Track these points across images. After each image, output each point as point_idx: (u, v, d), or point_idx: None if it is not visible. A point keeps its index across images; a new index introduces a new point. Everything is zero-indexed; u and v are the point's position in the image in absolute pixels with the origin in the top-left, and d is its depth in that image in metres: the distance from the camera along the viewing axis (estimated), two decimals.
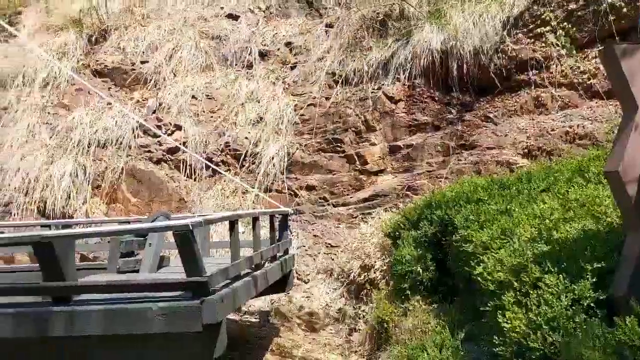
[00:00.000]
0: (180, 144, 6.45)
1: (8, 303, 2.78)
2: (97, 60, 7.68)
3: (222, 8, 8.23)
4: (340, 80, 6.65)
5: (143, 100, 7.26)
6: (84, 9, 8.18)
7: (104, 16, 8.11)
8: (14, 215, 6.27)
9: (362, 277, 5.04)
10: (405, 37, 6.47)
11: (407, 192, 5.90)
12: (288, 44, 7.42)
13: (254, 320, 5.32)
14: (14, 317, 2.69)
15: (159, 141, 6.81)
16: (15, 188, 6.37)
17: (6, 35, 8.20)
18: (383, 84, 6.41)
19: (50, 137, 6.85)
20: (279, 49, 7.50)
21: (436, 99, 6.20)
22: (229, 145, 6.71)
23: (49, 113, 7.18)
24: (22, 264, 5.20)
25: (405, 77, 6.32)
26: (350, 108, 6.50)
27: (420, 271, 4.10)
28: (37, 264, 2.83)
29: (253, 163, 6.57)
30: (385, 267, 4.90)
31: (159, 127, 6.78)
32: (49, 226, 5.16)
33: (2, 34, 8.19)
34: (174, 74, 7.42)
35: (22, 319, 2.69)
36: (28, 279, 3.96)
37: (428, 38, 6.20)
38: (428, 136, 6.09)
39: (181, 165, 6.63)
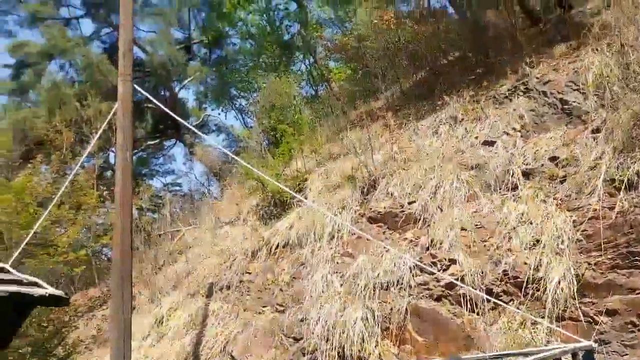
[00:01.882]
0: (457, 278, 6.47)
1: None
2: (370, 208, 8.49)
3: (476, 137, 8.46)
4: (622, 187, 5.97)
5: (415, 239, 7.62)
6: (355, 166, 9.32)
7: (372, 168, 9.07)
8: None
9: None
10: None
11: None
12: (552, 159, 7.09)
13: None
14: None
15: (436, 277, 6.93)
16: (317, 336, 7.15)
17: (298, 200, 9.80)
18: None
19: (341, 285, 7.62)
20: (542, 165, 7.21)
21: None
22: (507, 274, 6.43)
23: (337, 262, 8.07)
24: None
25: None
26: None
27: None
28: None
29: (537, 290, 6.11)
30: None
31: (433, 263, 6.97)
32: None
33: (295, 200, 9.81)
34: (440, 209, 7.68)
35: None
36: None
37: None
38: None
39: (461, 300, 6.55)
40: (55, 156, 12.41)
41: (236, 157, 8.19)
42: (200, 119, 21.75)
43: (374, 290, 7.19)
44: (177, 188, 21.85)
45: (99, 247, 14.00)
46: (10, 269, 3.35)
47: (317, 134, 12.33)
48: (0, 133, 12.55)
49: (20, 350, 8.92)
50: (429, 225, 7.56)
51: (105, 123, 8.01)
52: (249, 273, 9.32)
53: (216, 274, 10.02)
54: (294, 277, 8.54)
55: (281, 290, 8.55)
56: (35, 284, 3.18)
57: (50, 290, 3.16)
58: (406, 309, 6.81)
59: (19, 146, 13.54)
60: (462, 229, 7.15)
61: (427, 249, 7.32)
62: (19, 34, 18.05)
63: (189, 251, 12.19)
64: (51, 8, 17.50)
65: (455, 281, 6.26)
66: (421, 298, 6.87)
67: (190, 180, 20.99)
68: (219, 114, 21.72)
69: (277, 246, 9.18)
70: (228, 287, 9.40)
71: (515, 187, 7.23)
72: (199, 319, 9.35)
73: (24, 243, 7.02)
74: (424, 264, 6.75)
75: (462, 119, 9.20)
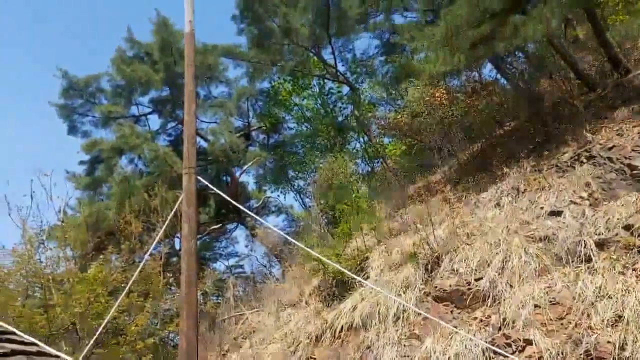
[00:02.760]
0: None
1: None
2: (435, 287, 8.21)
3: (541, 208, 8.18)
4: None
5: (486, 317, 7.25)
6: (417, 242, 9.15)
7: (434, 244, 8.87)
8: None
9: None
10: None
11: None
12: (627, 227, 6.72)
13: None
14: None
15: None
16: None
17: (360, 280, 9.63)
18: None
19: None
20: (617, 235, 6.84)
21: None
22: (590, 354, 5.94)
23: (404, 345, 7.74)
24: None
25: None
26: None
27: None
28: None
29: None
30: None
31: (507, 344, 6.57)
32: None
33: (357, 280, 9.65)
34: (510, 285, 7.34)
35: None
36: None
37: None
38: None
39: None
40: (124, 246, 12.92)
41: (295, 241, 8.24)
42: (261, 201, 22.28)
43: None
44: (240, 270, 22.07)
45: (166, 334, 14.14)
46: None
47: (376, 211, 12.31)
48: (76, 227, 13.28)
49: None
50: (499, 303, 7.20)
51: (172, 213, 8.33)
52: (314, 358, 9.08)
53: None
54: None
55: None
56: None
57: None
58: None
59: (92, 238, 14.22)
60: (536, 306, 6.76)
61: (499, 328, 6.93)
62: (94, 133, 19.38)
63: (253, 336, 12.07)
64: (122, 108, 18.99)
65: None
66: None
67: (253, 262, 21.17)
68: (278, 195, 22.20)
69: (341, 329, 8.94)
70: None
71: (589, 259, 6.85)
72: None
73: (97, 334, 7.21)
74: (497, 346, 6.37)
75: (525, 190, 8.97)
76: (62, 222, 13.78)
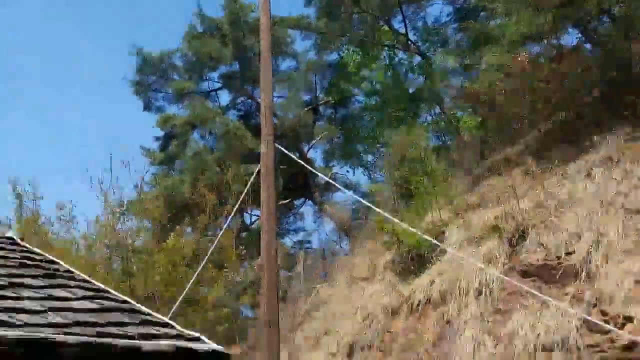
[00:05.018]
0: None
1: None
2: (521, 261, 7.78)
3: (639, 178, 7.53)
4: None
5: (579, 293, 6.79)
6: (499, 216, 8.69)
7: (519, 217, 8.39)
8: None
9: None
10: None
11: None
12: None
13: None
14: None
15: (610, 338, 6.05)
16: None
17: (437, 254, 9.29)
18: None
19: (496, 346, 6.95)
20: None
21: None
22: None
23: (487, 322, 7.41)
24: None
25: None
26: None
27: None
28: None
29: None
30: None
31: (605, 321, 6.11)
32: None
33: (434, 255, 9.32)
34: (606, 259, 6.82)
35: None
36: None
37: None
38: None
39: None
40: (200, 218, 13.23)
41: (375, 207, 8.01)
42: (328, 177, 22.10)
43: (535, 351, 6.45)
44: (308, 245, 22.12)
45: (239, 306, 14.44)
46: (175, 325, 3.41)
47: (452, 184, 11.84)
48: (153, 200, 13.70)
49: None
50: (593, 279, 6.71)
51: (249, 184, 8.34)
52: (390, 332, 8.91)
53: (355, 333, 9.72)
54: (439, 337, 7.98)
55: (427, 351, 8.03)
56: (198, 339, 3.18)
57: (213, 346, 3.14)
58: None
59: (167, 211, 14.64)
60: (637, 281, 6.24)
61: (594, 305, 6.47)
62: (167, 109, 19.86)
63: (325, 308, 12.07)
64: (193, 84, 19.31)
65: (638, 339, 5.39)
66: None
67: (321, 238, 21.12)
68: (347, 171, 21.82)
69: (419, 303, 8.70)
70: (370, 347, 9.04)
71: None
72: None
73: (179, 301, 7.37)
74: (595, 321, 5.93)
75: (619, 160, 8.28)
76: (140, 195, 14.28)
